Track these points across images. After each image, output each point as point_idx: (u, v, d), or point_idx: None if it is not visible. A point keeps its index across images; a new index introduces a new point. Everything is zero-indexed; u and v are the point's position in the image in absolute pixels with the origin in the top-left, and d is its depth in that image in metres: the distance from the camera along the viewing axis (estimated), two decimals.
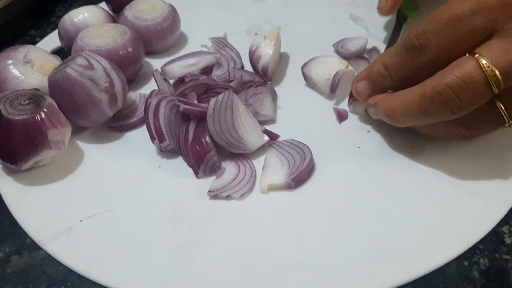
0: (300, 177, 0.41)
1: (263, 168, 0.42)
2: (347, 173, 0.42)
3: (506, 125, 0.37)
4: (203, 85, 0.48)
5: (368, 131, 0.46)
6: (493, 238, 0.37)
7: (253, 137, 0.43)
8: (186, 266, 0.37)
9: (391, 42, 0.52)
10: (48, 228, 0.40)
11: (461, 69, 0.35)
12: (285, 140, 0.44)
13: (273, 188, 0.41)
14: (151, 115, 0.44)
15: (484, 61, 0.34)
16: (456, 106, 0.36)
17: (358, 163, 0.43)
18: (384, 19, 0.58)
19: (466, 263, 0.36)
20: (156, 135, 0.44)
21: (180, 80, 0.50)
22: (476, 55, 0.35)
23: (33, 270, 0.38)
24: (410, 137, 0.44)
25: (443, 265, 0.36)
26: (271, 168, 0.42)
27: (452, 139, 0.42)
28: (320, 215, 0.39)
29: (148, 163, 0.45)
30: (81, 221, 0.40)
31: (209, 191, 0.41)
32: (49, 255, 0.39)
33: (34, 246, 0.40)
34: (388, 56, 0.41)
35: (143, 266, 0.37)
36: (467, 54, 0.36)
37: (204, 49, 0.56)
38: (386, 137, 0.45)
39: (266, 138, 0.44)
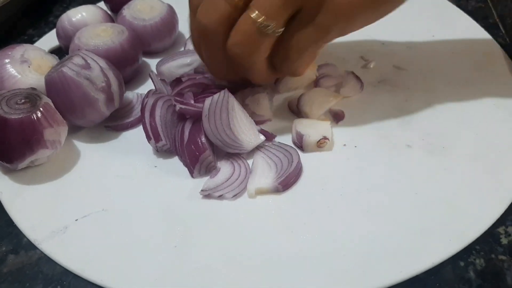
0: (288, 180, 0.41)
1: (250, 172, 0.42)
2: (343, 172, 0.42)
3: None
4: (200, 85, 0.48)
5: (365, 131, 0.46)
6: (489, 239, 0.37)
7: (249, 136, 0.43)
8: (180, 266, 0.37)
9: None
10: (43, 227, 0.40)
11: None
12: (272, 143, 0.44)
13: (260, 192, 0.41)
14: (147, 115, 0.44)
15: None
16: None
17: (354, 162, 0.43)
18: (385, 19, 0.58)
19: (462, 264, 0.36)
20: (152, 135, 0.44)
21: (177, 80, 0.50)
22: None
23: (30, 270, 0.38)
24: (406, 136, 0.44)
25: (439, 266, 0.36)
26: (259, 172, 0.42)
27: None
28: (315, 214, 0.39)
29: (144, 162, 0.45)
30: (76, 220, 0.40)
31: (201, 190, 0.41)
32: (45, 255, 0.39)
33: (31, 246, 0.39)
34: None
35: (137, 265, 0.37)
36: None
37: None
38: (383, 136, 0.45)
39: (262, 137, 0.44)
